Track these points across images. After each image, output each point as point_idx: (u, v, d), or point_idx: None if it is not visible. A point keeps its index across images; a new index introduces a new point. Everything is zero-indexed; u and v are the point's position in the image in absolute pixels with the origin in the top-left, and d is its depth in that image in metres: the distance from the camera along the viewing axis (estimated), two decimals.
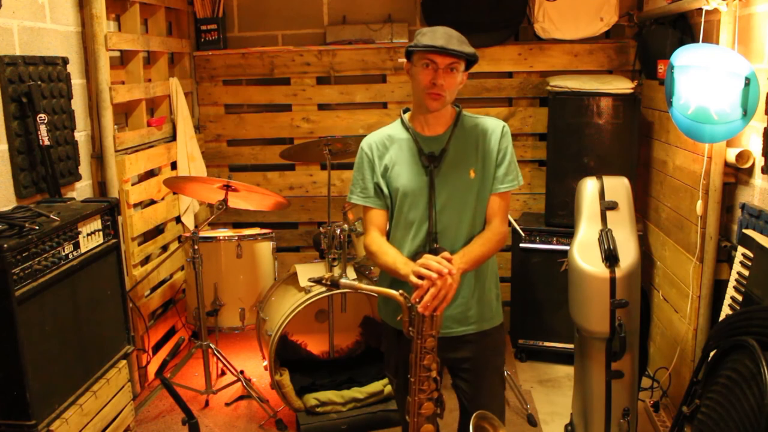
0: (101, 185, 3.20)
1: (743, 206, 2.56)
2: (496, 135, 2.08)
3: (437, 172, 2.05)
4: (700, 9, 2.77)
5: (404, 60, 2.10)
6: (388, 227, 2.17)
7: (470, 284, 2.09)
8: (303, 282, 3.15)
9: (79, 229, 2.51)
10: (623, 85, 3.52)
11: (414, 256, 2.07)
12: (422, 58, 1.97)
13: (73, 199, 2.87)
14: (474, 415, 1.81)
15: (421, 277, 1.86)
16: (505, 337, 2.26)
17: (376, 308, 2.38)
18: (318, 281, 1.96)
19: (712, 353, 2.13)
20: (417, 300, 1.84)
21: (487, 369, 2.16)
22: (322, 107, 4.31)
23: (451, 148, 2.07)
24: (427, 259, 1.88)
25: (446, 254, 1.92)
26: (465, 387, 2.16)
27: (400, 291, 1.89)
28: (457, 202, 2.06)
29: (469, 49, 1.98)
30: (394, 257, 2.01)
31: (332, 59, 4.20)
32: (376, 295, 2.08)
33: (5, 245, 2.08)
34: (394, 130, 2.15)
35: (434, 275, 1.83)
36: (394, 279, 2.05)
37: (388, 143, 2.12)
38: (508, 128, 2.12)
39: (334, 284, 1.94)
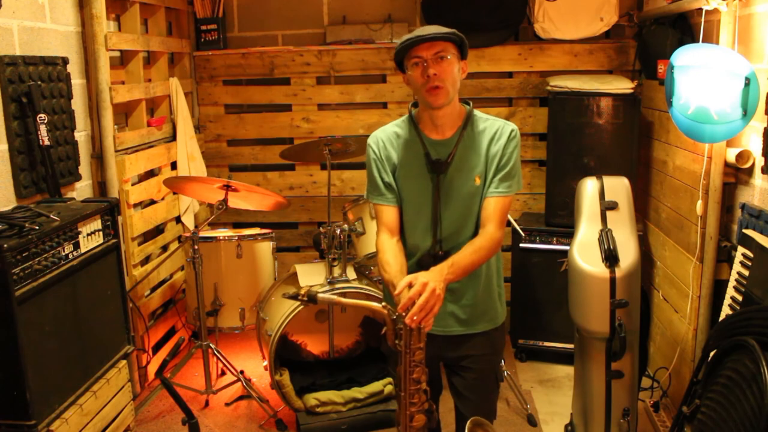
0: (101, 185, 3.19)
1: (743, 206, 2.56)
2: (503, 139, 2.01)
3: (443, 178, 2.01)
4: (700, 9, 2.77)
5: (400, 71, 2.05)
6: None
7: (477, 285, 2.07)
8: (303, 282, 3.15)
9: (79, 229, 2.51)
10: (623, 85, 3.52)
11: (419, 260, 2.06)
12: (410, 58, 1.93)
13: (73, 199, 2.87)
14: (469, 421, 1.81)
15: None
16: (505, 336, 2.24)
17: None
18: (294, 297, 1.84)
19: (712, 353, 2.13)
20: (403, 312, 1.75)
21: (486, 369, 2.15)
22: (322, 107, 4.31)
23: (458, 153, 2.01)
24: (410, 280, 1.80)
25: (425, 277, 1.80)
26: (459, 385, 2.15)
27: (383, 303, 1.84)
28: (462, 209, 2.03)
29: (447, 29, 1.91)
30: (391, 277, 1.94)
31: (332, 59, 4.20)
32: (363, 302, 1.97)
33: (5, 245, 2.08)
34: (402, 128, 2.09)
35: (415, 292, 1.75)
36: None
37: (395, 141, 2.07)
38: (518, 132, 2.03)
39: (311, 299, 1.83)
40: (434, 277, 1.79)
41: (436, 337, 1.99)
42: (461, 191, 2.02)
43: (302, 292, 1.85)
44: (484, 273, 2.08)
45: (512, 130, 2.03)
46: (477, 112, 2.07)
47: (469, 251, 1.96)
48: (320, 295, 1.84)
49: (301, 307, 3.03)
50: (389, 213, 2.07)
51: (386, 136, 2.09)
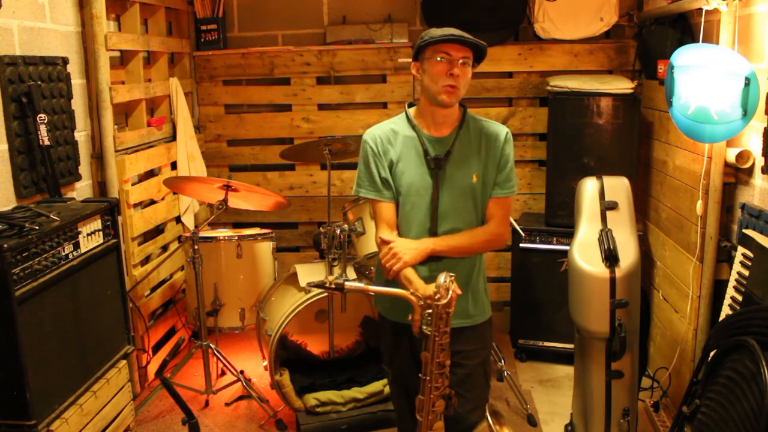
0: (101, 185, 3.19)
1: (743, 206, 2.56)
2: (500, 141, 2.10)
3: (441, 174, 2.06)
4: (700, 9, 2.77)
5: (409, 60, 2.09)
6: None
7: (465, 280, 2.12)
8: (303, 282, 3.15)
9: (79, 229, 2.51)
10: (623, 85, 3.52)
11: None
12: (437, 51, 1.97)
13: (73, 199, 2.87)
14: (487, 405, 1.83)
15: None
16: (492, 330, 2.30)
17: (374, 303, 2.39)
18: (320, 285, 1.87)
19: (712, 353, 2.13)
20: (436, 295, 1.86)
21: (476, 364, 2.18)
22: (322, 107, 4.31)
23: (455, 151, 2.07)
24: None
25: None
26: (450, 381, 2.14)
27: (411, 291, 1.90)
28: (459, 206, 2.09)
29: (481, 41, 1.99)
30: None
31: (332, 59, 4.20)
32: (391, 289, 2.01)
33: (5, 245, 2.08)
34: (398, 125, 2.13)
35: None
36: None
37: (392, 138, 2.11)
38: (511, 134, 2.14)
39: (338, 288, 1.87)
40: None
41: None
42: (458, 187, 2.07)
43: (329, 279, 1.88)
44: (476, 266, 2.15)
45: (507, 132, 2.13)
46: (471, 113, 2.15)
47: (464, 233, 2.07)
48: (347, 284, 1.87)
49: (301, 307, 3.03)
50: (387, 209, 2.12)
51: (383, 132, 2.12)
